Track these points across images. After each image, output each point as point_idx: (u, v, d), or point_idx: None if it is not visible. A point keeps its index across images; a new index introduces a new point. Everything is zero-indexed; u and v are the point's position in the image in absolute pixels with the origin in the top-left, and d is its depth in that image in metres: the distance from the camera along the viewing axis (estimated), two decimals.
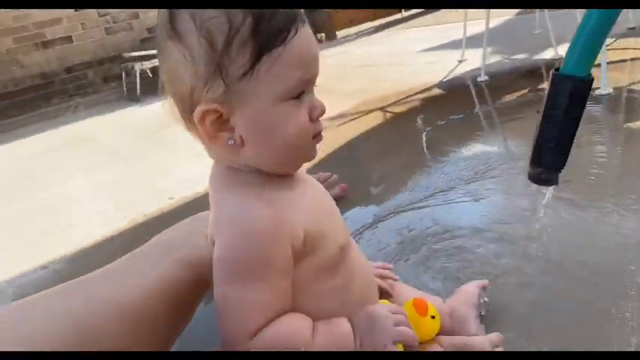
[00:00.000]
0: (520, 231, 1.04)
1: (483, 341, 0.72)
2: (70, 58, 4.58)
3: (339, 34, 5.57)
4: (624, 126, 1.51)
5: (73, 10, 4.48)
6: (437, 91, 2.36)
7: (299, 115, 0.56)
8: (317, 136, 0.59)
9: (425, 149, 1.66)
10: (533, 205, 1.15)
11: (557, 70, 0.57)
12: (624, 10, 2.55)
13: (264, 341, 0.56)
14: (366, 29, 5.55)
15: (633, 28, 2.66)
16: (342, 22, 5.67)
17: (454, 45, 2.85)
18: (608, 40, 2.50)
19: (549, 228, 0.99)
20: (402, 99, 2.35)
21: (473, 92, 2.24)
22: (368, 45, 4.39)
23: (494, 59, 2.66)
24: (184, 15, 0.53)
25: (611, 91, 1.74)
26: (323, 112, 0.59)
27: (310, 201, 0.63)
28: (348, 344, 0.59)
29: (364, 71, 3.30)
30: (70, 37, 4.56)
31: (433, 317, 0.69)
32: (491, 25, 3.64)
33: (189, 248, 0.71)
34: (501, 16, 3.90)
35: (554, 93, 0.57)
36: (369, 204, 1.36)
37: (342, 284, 0.64)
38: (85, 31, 4.62)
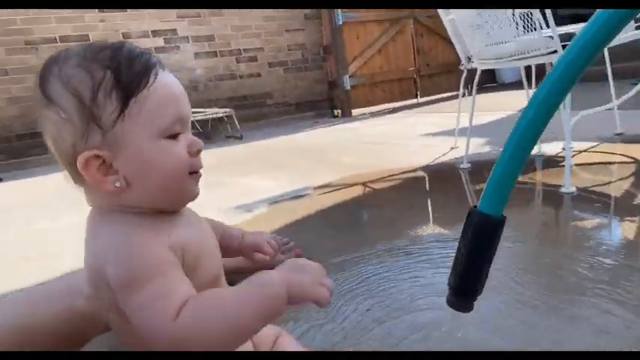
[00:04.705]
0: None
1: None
2: None
3: (355, 112, 5.84)
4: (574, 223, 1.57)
5: None
6: (420, 173, 2.46)
7: (176, 150, 0.64)
8: (195, 174, 0.67)
9: (390, 225, 1.73)
10: None
11: (475, 206, 0.58)
12: (614, 113, 2.57)
13: (188, 316, 0.57)
14: (382, 110, 5.81)
15: (621, 134, 2.75)
16: (360, 101, 5.97)
17: (454, 132, 3.00)
18: (593, 143, 2.59)
19: None
20: (387, 176, 2.45)
21: (455, 177, 2.33)
22: (379, 124, 4.59)
23: (483, 149, 2.77)
24: (51, 79, 0.61)
25: (574, 190, 1.81)
26: (201, 147, 0.67)
27: (186, 230, 0.67)
28: (274, 288, 0.61)
29: (366, 147, 3.45)
30: None
31: None
32: (492, 118, 3.83)
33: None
34: (504, 110, 4.07)
35: (466, 224, 0.57)
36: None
37: None
38: None
